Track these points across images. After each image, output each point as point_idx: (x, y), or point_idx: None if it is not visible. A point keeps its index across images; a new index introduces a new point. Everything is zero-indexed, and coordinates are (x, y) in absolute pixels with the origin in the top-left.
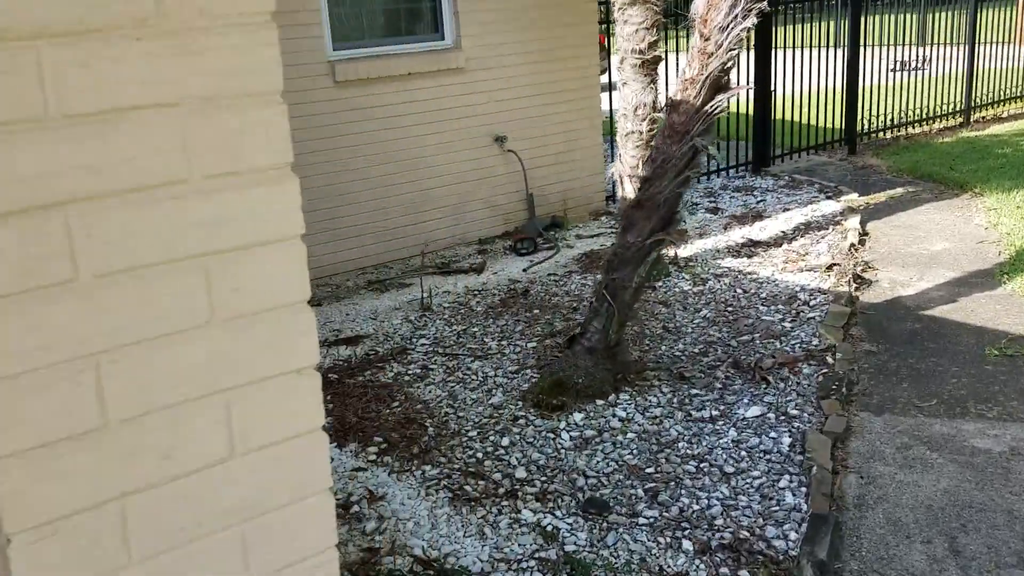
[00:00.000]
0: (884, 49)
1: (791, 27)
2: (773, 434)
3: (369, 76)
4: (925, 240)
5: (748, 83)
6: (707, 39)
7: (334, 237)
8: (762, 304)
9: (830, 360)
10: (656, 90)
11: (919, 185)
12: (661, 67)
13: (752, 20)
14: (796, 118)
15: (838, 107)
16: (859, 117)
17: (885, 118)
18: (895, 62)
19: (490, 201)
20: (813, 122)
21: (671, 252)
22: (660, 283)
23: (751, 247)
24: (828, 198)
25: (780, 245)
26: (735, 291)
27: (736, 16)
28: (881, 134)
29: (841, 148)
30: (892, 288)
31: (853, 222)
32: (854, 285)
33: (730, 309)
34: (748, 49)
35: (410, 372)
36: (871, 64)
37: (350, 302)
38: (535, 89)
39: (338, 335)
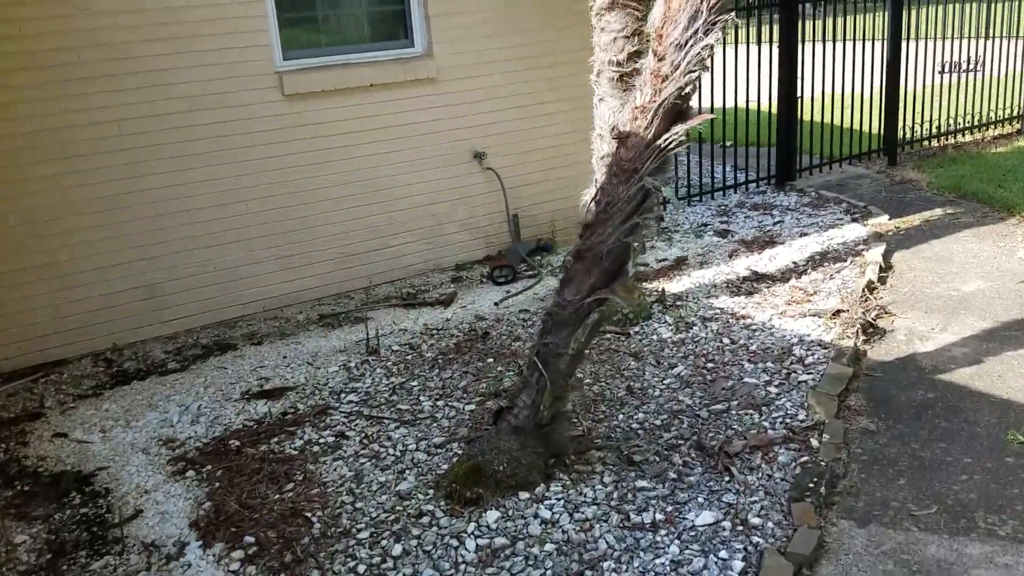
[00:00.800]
0: (930, 44)
1: (821, 21)
2: (724, 553)
3: (324, 88)
4: (957, 277)
5: (768, 84)
6: (662, 59)
7: (286, 265)
8: (748, 360)
9: (814, 443)
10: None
11: (961, 205)
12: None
13: (716, 36)
14: (830, 119)
15: (877, 110)
16: (901, 124)
17: (931, 124)
18: (943, 64)
19: (469, 223)
20: (848, 124)
21: (659, 287)
22: (638, 328)
23: (754, 282)
24: (854, 220)
25: (787, 280)
26: (721, 341)
27: (696, 31)
28: (926, 143)
29: (880, 158)
30: (908, 341)
31: (875, 253)
32: (862, 337)
33: (710, 366)
34: (767, 43)
35: (322, 441)
36: (915, 62)
37: (294, 340)
38: (520, 100)
39: (263, 385)
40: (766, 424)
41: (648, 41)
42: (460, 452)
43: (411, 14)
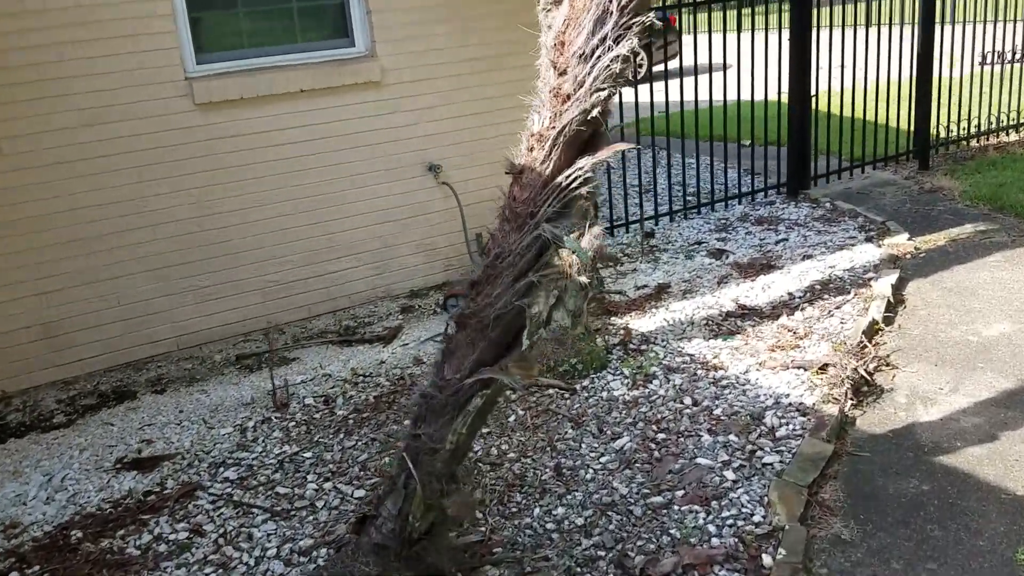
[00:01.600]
0: (968, 28)
1: (840, 4)
2: None
3: (244, 96)
4: (980, 316)
5: (781, 76)
6: (563, 73)
7: (205, 297)
8: (709, 431)
9: (766, 561)
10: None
11: (996, 221)
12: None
13: (632, 44)
14: (855, 115)
15: (908, 105)
16: (934, 122)
17: (969, 123)
18: (984, 53)
19: (425, 244)
20: (876, 119)
21: (626, 324)
22: (588, 381)
23: (738, 318)
24: (868, 239)
25: (777, 317)
26: (682, 401)
27: (605, 38)
28: (963, 143)
29: (910, 162)
30: (909, 406)
31: (885, 284)
32: (852, 400)
33: (661, 437)
34: (779, 30)
35: (173, 538)
36: (951, 50)
37: (200, 388)
38: (481, 105)
39: (141, 451)
40: (711, 529)
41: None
42: (325, 562)
43: (350, 9)
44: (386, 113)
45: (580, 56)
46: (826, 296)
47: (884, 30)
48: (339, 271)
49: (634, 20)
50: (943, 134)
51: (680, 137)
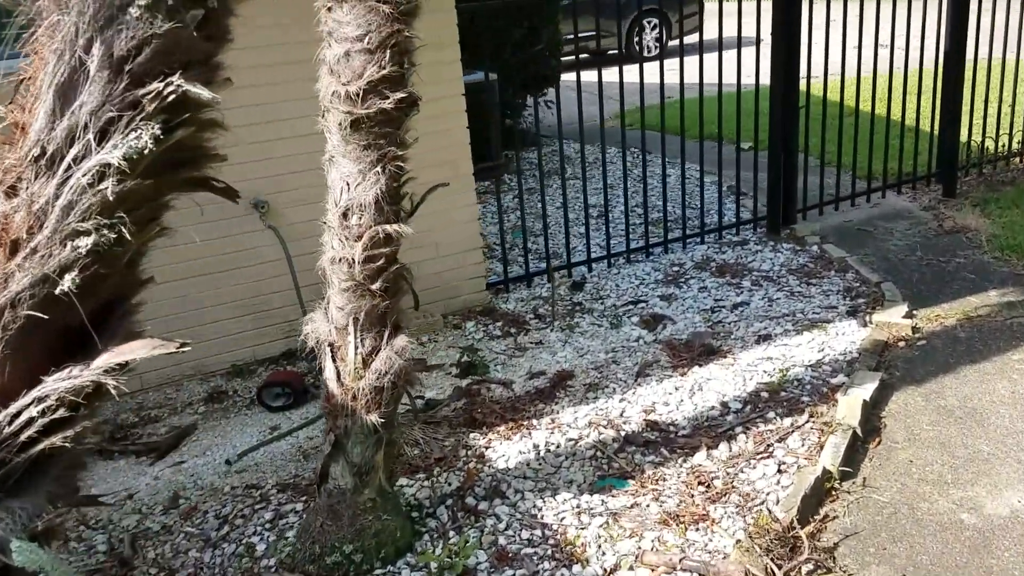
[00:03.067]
0: (1016, 6)
1: None
2: None
3: None
4: (987, 472)
5: (760, 69)
6: (12, 192)
7: None
8: None
9: None
10: (390, 173)
11: None
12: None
13: (149, 135)
14: (862, 109)
15: (934, 104)
16: (965, 134)
17: (1010, 137)
18: None
19: (252, 305)
20: (887, 114)
21: (480, 451)
22: None
23: (641, 448)
24: (853, 311)
25: (694, 451)
26: None
27: (87, 125)
28: (1002, 163)
29: (932, 186)
30: None
31: (858, 400)
32: None
33: None
34: None
35: None
36: (990, 35)
37: None
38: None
39: None
40: None
41: (409, 59)
42: None
43: None
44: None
45: (42, 159)
46: (771, 415)
47: (900, 5)
48: None
49: (151, 90)
50: (974, 149)
51: (680, 135)
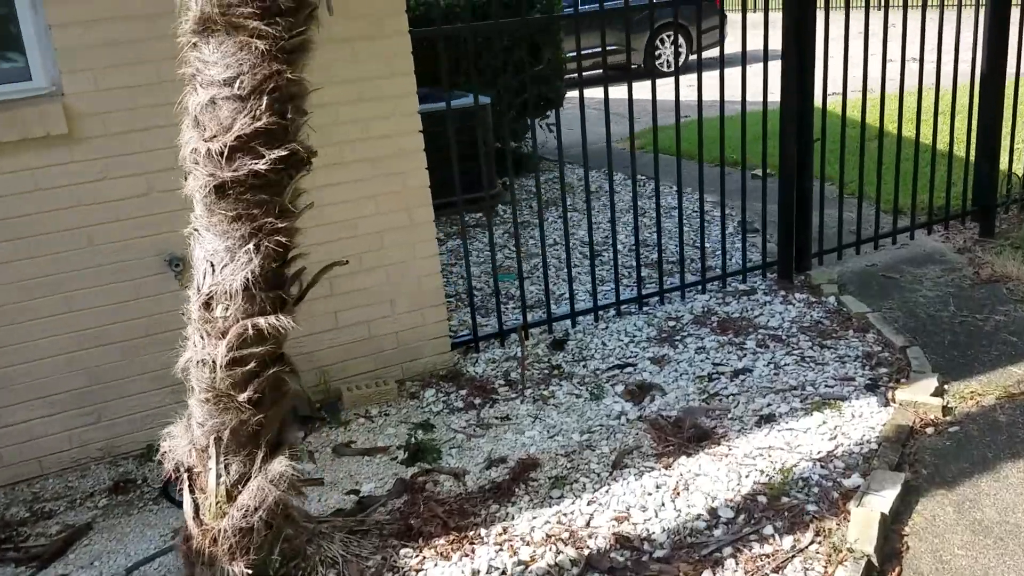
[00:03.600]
0: None
1: None
2: None
3: None
4: None
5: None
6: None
7: None
8: None
9: None
10: (267, 251)
11: None
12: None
13: None
14: (886, 129)
15: (966, 123)
16: (1005, 165)
17: None
18: None
19: (173, 376)
20: (918, 137)
21: (408, 569)
22: None
23: None
24: (873, 385)
25: None
26: None
27: None
28: None
29: (967, 225)
30: None
31: (875, 514)
32: None
33: None
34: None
35: None
36: None
37: None
38: None
39: None
40: None
41: (305, 108)
42: None
43: (20, 22)
44: (90, 180)
45: None
46: (768, 531)
47: (930, 13)
48: (21, 422)
49: None
50: (1020, 180)
51: (698, 160)
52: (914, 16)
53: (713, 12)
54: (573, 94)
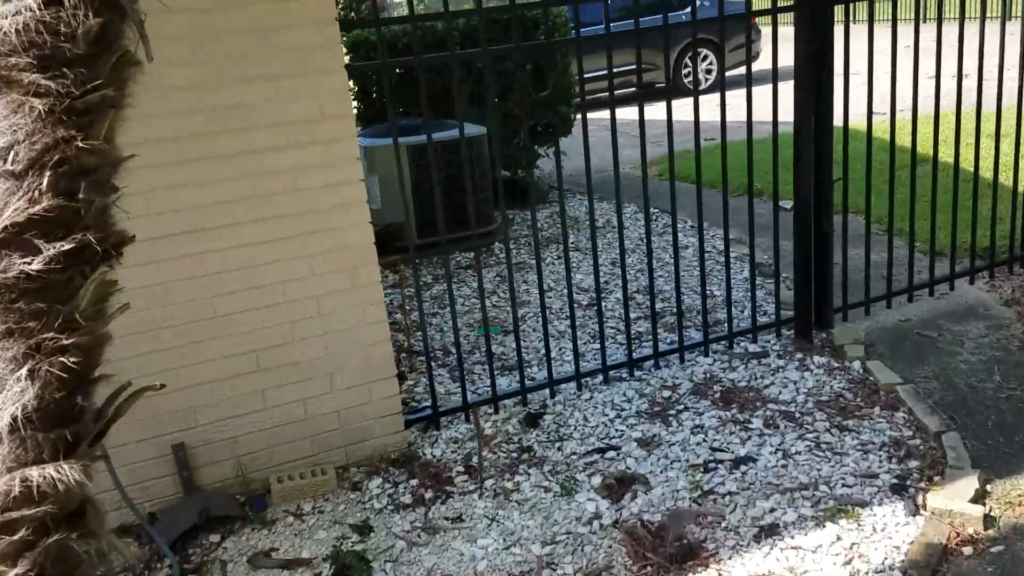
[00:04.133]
0: None
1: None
2: None
3: None
4: None
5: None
6: None
7: None
8: None
9: None
10: (47, 378)
11: None
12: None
13: None
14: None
15: (1013, 151)
16: None
17: None
18: None
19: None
20: (945, 158)
21: None
22: None
23: None
24: (900, 485)
25: None
26: None
27: None
28: None
29: (1015, 272)
30: None
31: None
32: None
33: None
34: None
35: None
36: None
37: None
38: (184, 213)
39: None
40: None
41: (113, 183)
42: None
43: None
44: None
45: None
46: None
47: (968, 24)
48: None
49: None
50: None
51: (720, 188)
52: (950, 25)
53: (742, 28)
54: (594, 115)
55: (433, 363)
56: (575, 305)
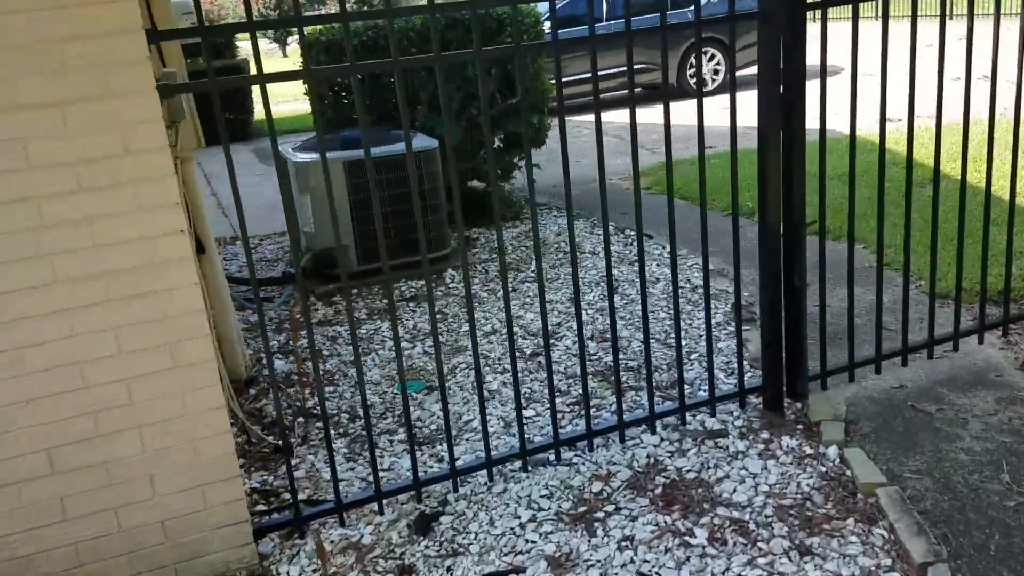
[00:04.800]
0: None
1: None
2: None
3: None
4: None
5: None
6: None
7: None
8: None
9: None
10: None
11: None
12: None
13: None
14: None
15: None
16: None
17: None
18: None
19: None
20: (948, 172)
21: None
22: None
23: None
24: None
25: None
26: None
27: None
28: None
29: None
30: None
31: None
32: None
33: None
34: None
35: None
36: None
37: None
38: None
39: None
40: None
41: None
42: None
43: None
44: None
45: None
46: None
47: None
48: None
49: None
50: None
51: (709, 203)
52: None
53: (753, 28)
54: (583, 118)
55: (333, 431)
56: (517, 356)
